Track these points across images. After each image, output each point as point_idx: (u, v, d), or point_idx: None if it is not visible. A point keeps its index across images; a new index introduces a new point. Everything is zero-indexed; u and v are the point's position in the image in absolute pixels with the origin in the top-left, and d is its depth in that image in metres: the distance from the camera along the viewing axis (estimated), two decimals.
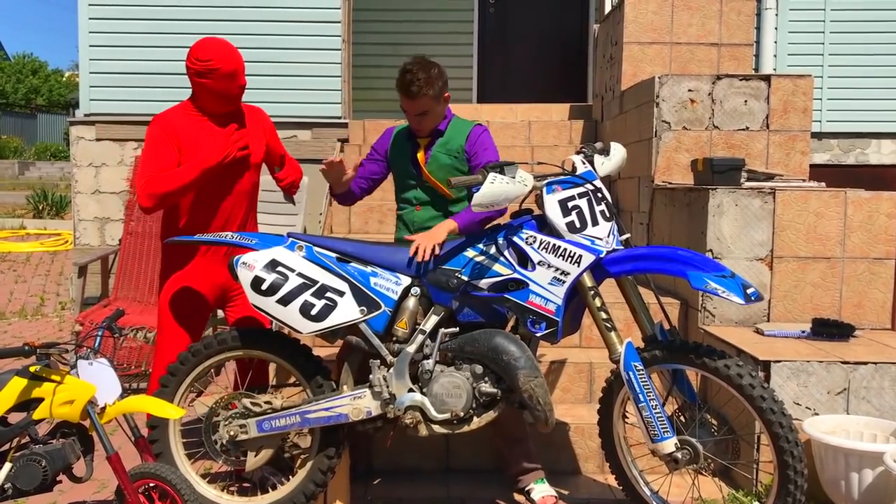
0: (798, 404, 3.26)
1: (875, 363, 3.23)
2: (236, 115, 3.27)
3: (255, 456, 2.99)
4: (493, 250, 2.87)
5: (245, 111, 3.32)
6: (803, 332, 3.62)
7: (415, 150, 3.34)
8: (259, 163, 3.30)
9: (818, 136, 6.95)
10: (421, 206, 3.35)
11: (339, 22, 6.51)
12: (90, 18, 6.45)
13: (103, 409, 2.70)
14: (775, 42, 6.77)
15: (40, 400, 2.66)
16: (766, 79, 4.64)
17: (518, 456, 3.29)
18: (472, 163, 3.31)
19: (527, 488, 3.26)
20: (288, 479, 3.03)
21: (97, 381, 2.73)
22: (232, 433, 2.95)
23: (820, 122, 6.93)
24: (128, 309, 4.88)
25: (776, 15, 6.71)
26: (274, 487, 3.08)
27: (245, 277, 2.87)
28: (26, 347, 2.61)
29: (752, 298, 2.58)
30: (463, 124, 3.36)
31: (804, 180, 4.45)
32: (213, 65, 3.04)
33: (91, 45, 6.46)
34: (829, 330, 3.57)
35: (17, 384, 2.66)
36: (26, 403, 2.67)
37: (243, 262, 2.88)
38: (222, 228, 3.20)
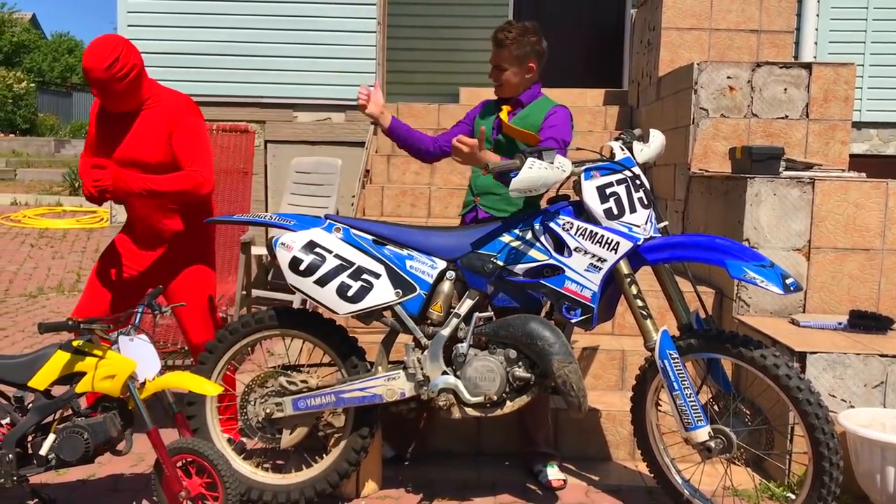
0: (833, 396, 3.23)
1: None
2: (136, 113, 3.16)
3: (290, 434, 3.03)
4: (529, 236, 2.87)
5: (157, 105, 3.18)
6: (840, 323, 3.59)
7: (497, 120, 3.29)
8: (159, 162, 3.15)
9: (857, 125, 6.84)
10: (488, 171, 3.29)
11: (374, 4, 6.52)
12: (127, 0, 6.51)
13: (143, 384, 2.75)
14: (816, 29, 6.67)
15: (83, 374, 2.71)
16: (807, 67, 4.57)
17: (541, 439, 3.32)
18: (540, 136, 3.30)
19: (537, 470, 3.31)
20: (321, 458, 3.07)
21: (137, 356, 2.77)
22: (268, 411, 2.99)
23: (860, 111, 6.82)
24: None
25: (818, 2, 6.59)
26: (308, 465, 3.13)
27: (283, 258, 2.90)
28: (70, 322, 2.66)
29: (792, 289, 2.56)
30: (546, 102, 3.27)
31: (844, 170, 4.38)
32: (87, 74, 2.98)
33: (129, 25, 6.52)
34: (867, 322, 3.53)
35: (61, 358, 2.71)
36: (69, 377, 2.73)
37: (282, 243, 2.91)
38: (143, 222, 3.28)
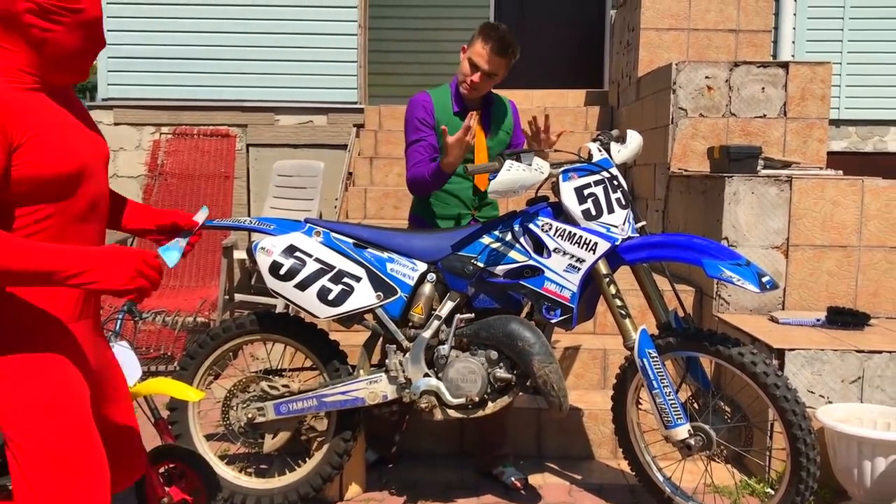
0: (812, 392, 3.27)
1: (890, 352, 3.23)
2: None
3: (273, 438, 3.03)
4: (508, 237, 2.89)
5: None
6: (818, 320, 3.62)
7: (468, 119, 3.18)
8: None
9: (836, 123, 6.91)
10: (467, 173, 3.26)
11: (355, 6, 6.52)
12: (109, 3, 6.49)
13: None
14: (794, 28, 6.72)
15: None
16: (784, 66, 4.61)
17: (499, 443, 3.35)
18: (512, 142, 3.31)
19: (498, 472, 3.33)
20: (304, 462, 3.08)
21: (118, 363, 2.76)
22: (250, 415, 2.99)
23: (838, 109, 6.89)
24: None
25: (795, 1, 6.65)
26: (291, 469, 3.13)
27: (263, 262, 2.91)
28: None
29: (767, 287, 2.59)
30: (501, 100, 3.31)
31: (821, 168, 4.43)
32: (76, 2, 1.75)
33: (110, 30, 6.49)
34: (845, 318, 3.57)
35: None
36: None
37: (262, 247, 2.91)
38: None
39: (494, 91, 3.33)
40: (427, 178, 3.06)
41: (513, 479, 3.26)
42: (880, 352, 3.24)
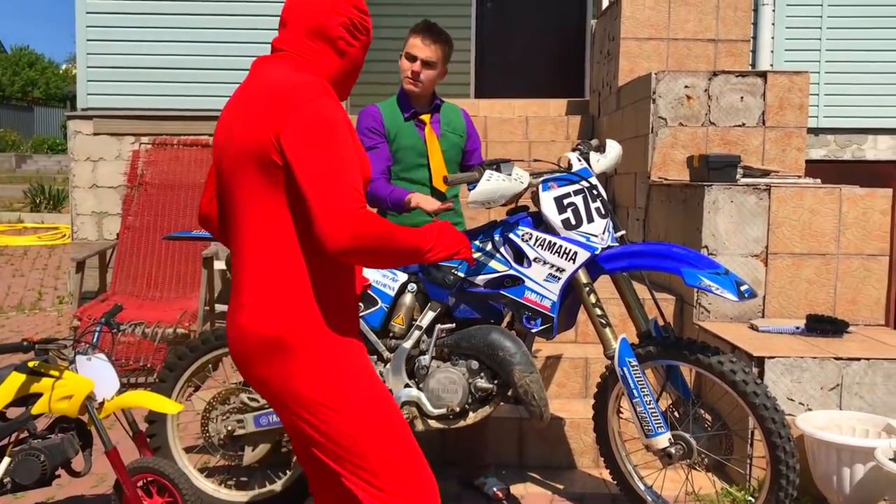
0: (791, 400, 3.28)
1: (868, 359, 3.26)
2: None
3: (253, 451, 3.01)
4: (489, 247, 2.89)
5: None
6: (798, 328, 3.65)
7: (421, 126, 3.27)
8: None
9: (815, 131, 6.97)
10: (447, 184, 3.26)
11: None
12: (88, 12, 6.45)
13: (102, 403, 2.72)
14: (772, 38, 6.78)
15: (39, 395, 2.68)
16: (763, 75, 4.65)
17: (479, 452, 3.33)
18: (467, 147, 3.34)
19: (479, 482, 3.31)
20: (285, 474, 3.06)
21: (96, 376, 2.74)
22: (229, 428, 2.97)
23: (817, 117, 6.95)
24: (126, 304, 4.90)
25: (773, 11, 6.72)
26: (271, 482, 3.11)
27: None
28: (25, 343, 2.62)
29: (746, 295, 2.60)
30: (451, 106, 3.38)
31: (800, 177, 4.47)
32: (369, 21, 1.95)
33: (89, 40, 6.46)
34: (824, 326, 3.59)
35: (16, 379, 2.67)
36: (25, 398, 2.69)
37: None
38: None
39: (446, 101, 3.40)
40: (387, 203, 3.08)
41: (494, 489, 3.25)
42: (858, 359, 3.26)
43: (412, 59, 3.18)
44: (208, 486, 3.06)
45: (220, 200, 2.01)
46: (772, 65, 6.81)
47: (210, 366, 3.12)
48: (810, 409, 3.28)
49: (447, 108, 3.35)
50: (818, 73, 6.92)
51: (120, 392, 2.78)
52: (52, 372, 2.69)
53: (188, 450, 3.59)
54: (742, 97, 4.65)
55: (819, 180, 4.30)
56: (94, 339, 2.84)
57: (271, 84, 1.79)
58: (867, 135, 7.04)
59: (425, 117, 3.26)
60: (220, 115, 1.91)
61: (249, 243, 1.83)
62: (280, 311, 1.80)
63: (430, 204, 2.93)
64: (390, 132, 3.23)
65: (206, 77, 6.48)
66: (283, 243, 1.81)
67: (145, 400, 2.73)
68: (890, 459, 2.74)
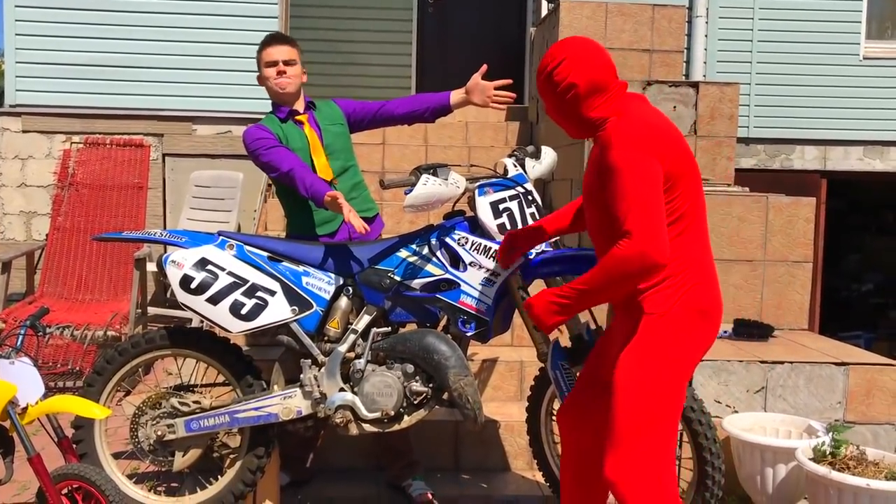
0: (719, 402, 3.37)
1: (791, 362, 3.37)
2: None
3: (183, 456, 2.96)
4: (425, 251, 2.90)
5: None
6: (725, 332, 3.75)
7: (301, 126, 3.25)
8: None
9: (745, 141, 7.17)
10: (337, 179, 3.26)
11: (276, 17, 6.47)
12: (17, 6, 6.26)
13: (25, 409, 2.65)
14: (706, 49, 6.96)
15: None
16: (695, 85, 4.77)
17: (405, 450, 3.34)
18: (358, 116, 3.31)
19: (406, 484, 3.31)
20: (216, 479, 3.01)
21: (18, 380, 2.67)
22: (160, 433, 2.92)
23: (748, 127, 7.15)
24: (54, 306, 4.77)
25: (706, 23, 6.89)
26: (202, 487, 3.06)
27: (174, 276, 2.84)
28: None
29: None
30: (324, 101, 3.38)
31: (729, 185, 4.59)
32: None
33: (18, 34, 6.27)
34: (750, 330, 3.70)
35: None
36: None
37: (172, 261, 2.85)
38: None
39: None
40: (305, 188, 2.98)
41: (419, 492, 3.25)
42: (782, 362, 3.37)
43: (273, 64, 3.22)
44: (137, 492, 3.00)
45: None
46: (704, 75, 6.98)
47: (140, 370, 3.06)
48: (737, 412, 3.37)
49: (321, 104, 3.35)
50: (749, 84, 7.12)
51: (45, 396, 2.71)
52: None
53: (117, 455, 3.51)
54: (675, 106, 4.76)
55: (748, 189, 4.43)
56: (18, 343, 2.77)
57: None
58: (795, 145, 7.26)
59: (302, 117, 3.26)
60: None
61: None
62: None
63: (354, 219, 2.82)
64: (281, 139, 3.20)
65: (141, 75, 6.35)
66: None
67: (71, 405, 2.66)
68: (809, 459, 2.84)
